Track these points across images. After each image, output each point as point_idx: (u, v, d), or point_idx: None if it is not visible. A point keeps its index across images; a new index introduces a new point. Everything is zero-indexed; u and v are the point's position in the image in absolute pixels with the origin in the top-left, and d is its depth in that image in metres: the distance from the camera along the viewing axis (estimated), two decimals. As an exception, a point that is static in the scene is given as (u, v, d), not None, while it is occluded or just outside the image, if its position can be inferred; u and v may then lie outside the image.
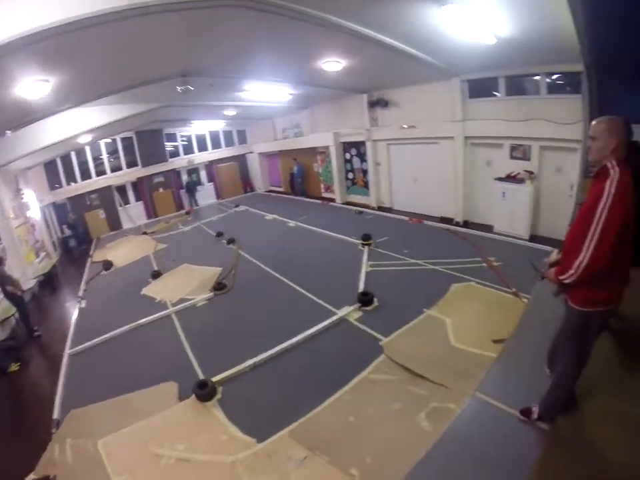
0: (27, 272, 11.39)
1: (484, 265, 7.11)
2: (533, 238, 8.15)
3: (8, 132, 8.16)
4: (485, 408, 3.70)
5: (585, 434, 3.17)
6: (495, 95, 8.88)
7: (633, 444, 2.94)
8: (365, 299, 6.42)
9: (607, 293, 2.67)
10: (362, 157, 13.63)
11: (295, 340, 5.74)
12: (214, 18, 5.47)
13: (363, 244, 9.10)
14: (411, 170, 11.81)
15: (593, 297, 2.68)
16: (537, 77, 8.00)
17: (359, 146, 13.62)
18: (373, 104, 12.05)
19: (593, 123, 2.62)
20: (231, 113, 15.56)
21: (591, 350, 2.92)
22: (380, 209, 12.95)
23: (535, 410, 3.33)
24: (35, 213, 14.07)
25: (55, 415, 5.15)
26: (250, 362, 5.40)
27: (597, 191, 2.50)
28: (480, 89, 9.11)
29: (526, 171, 8.15)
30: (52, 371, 6.72)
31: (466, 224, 9.90)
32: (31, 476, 4.18)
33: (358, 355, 5.21)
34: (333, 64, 8.17)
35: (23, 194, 13.15)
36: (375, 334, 5.58)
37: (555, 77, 7.83)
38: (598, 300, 2.68)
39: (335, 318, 6.17)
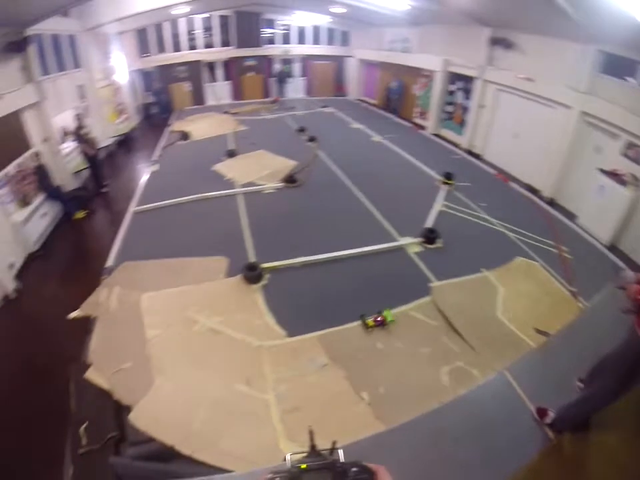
0: (107, 131, 12.17)
1: (555, 250, 6.57)
2: (612, 248, 7.10)
3: None
4: (505, 388, 3.68)
5: (585, 460, 3.10)
6: (628, 81, 7.44)
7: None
8: (429, 236, 6.31)
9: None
10: (467, 93, 12.34)
11: (350, 251, 5.81)
12: None
13: (443, 182, 8.67)
14: (514, 124, 10.59)
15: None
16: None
17: (467, 81, 12.26)
18: (495, 41, 10.57)
19: None
20: (339, 10, 14.43)
21: (638, 383, 2.73)
22: (469, 153, 12.03)
23: (551, 415, 3.26)
24: (122, 76, 14.60)
25: (109, 263, 5.63)
26: (302, 259, 5.59)
27: None
28: (615, 67, 7.62)
29: (632, 174, 7.05)
30: (114, 224, 7.36)
31: (551, 202, 8.99)
32: (75, 313, 4.67)
33: (406, 287, 5.23)
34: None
35: (111, 57, 13.57)
36: (429, 274, 5.54)
37: None
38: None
39: (395, 244, 6.16)
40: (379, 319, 4.57)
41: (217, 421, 3.47)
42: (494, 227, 7.16)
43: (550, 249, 6.61)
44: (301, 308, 4.83)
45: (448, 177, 8.78)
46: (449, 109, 13.57)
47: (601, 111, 7.85)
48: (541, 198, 9.09)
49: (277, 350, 4.18)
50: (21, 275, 6.54)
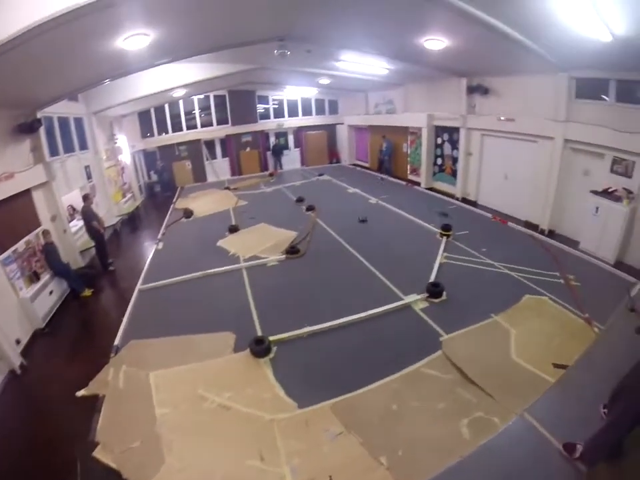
0: (112, 210, 12.67)
1: (561, 281, 6.56)
2: (619, 264, 7.23)
3: (107, 81, 8.79)
4: (528, 431, 3.54)
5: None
6: (604, 99, 7.86)
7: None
8: (434, 290, 6.28)
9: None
10: (454, 143, 12.99)
11: (355, 316, 5.78)
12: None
13: (441, 234, 8.80)
14: (502, 165, 11.07)
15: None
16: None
17: (451, 132, 12.97)
18: (471, 89, 11.32)
19: None
20: (325, 81, 15.55)
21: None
22: (464, 200, 12.35)
23: (579, 448, 3.11)
24: (125, 157, 15.37)
25: (116, 341, 5.63)
26: (308, 329, 5.55)
27: None
28: (588, 89, 8.11)
29: (625, 189, 7.22)
30: (121, 303, 7.44)
31: (551, 233, 9.18)
32: (82, 392, 4.63)
33: (415, 345, 5.15)
34: (435, 42, 7.82)
35: (117, 139, 14.38)
36: (437, 328, 5.48)
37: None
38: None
39: (400, 303, 6.12)
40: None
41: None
42: (498, 269, 7.18)
43: (557, 280, 6.59)
44: (310, 378, 4.76)
45: (445, 228, 8.92)
46: (439, 161, 14.13)
47: (583, 135, 8.22)
48: (541, 232, 9.22)
49: (288, 422, 4.06)
50: (26, 351, 6.48)
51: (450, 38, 7.63)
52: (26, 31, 4.30)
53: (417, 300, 6.19)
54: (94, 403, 4.47)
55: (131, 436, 3.98)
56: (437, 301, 6.19)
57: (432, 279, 6.76)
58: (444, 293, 6.29)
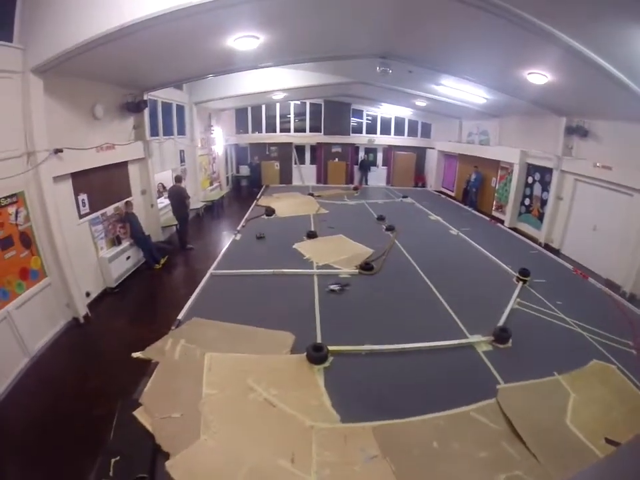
0: (198, 195, 13.62)
1: (634, 351, 5.84)
2: None
3: (210, 75, 9.54)
4: (566, 503, 3.16)
5: None
6: None
7: None
8: (501, 335, 5.87)
9: None
10: (545, 185, 12.12)
11: (417, 345, 5.59)
12: (427, 5, 5.49)
13: (518, 278, 8.27)
14: (592, 216, 10.14)
15: None
16: None
17: (544, 172, 12.12)
18: (570, 130, 10.51)
19: None
20: (421, 103, 15.36)
21: None
22: (546, 247, 11.43)
23: None
24: (219, 148, 16.41)
25: (180, 316, 5.86)
26: (368, 347, 5.44)
27: None
28: None
29: None
30: (190, 281, 7.84)
31: (632, 297, 8.21)
32: (138, 353, 4.85)
33: (470, 386, 4.85)
34: (538, 76, 7.43)
35: (213, 130, 15.41)
36: (496, 375, 5.12)
37: None
38: None
39: (463, 341, 5.80)
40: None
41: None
42: (569, 326, 6.54)
43: (629, 349, 5.88)
44: (360, 395, 4.66)
45: (523, 273, 8.33)
46: (527, 201, 13.30)
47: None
48: (622, 294, 8.31)
49: (328, 433, 3.99)
50: (93, 305, 7.14)
51: (553, 74, 7.23)
52: (145, 19, 4.76)
53: (481, 341, 5.85)
54: (146, 368, 4.65)
55: (173, 406, 4.08)
56: (501, 346, 5.79)
57: (501, 322, 6.36)
58: (510, 340, 5.90)
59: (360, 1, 5.56)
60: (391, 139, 20.76)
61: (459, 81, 10.10)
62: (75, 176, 7.14)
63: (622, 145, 9.03)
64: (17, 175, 5.62)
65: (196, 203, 13.30)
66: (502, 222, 14.08)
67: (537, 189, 12.66)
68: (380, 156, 21.38)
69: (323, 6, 5.64)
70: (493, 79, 9.17)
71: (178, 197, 10.49)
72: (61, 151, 6.40)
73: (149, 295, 8.48)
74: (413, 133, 20.96)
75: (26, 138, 5.75)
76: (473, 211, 15.47)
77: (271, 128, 19.17)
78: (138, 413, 3.94)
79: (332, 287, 7.22)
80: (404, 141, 20.88)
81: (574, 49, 5.45)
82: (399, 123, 20.60)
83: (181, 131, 12.78)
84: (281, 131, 19.31)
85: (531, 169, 12.97)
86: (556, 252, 11.06)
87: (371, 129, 20.60)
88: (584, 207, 10.60)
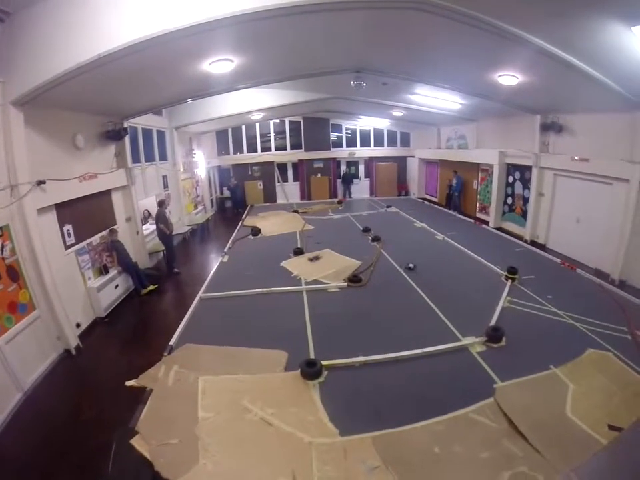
0: (183, 219, 13.57)
1: (629, 337, 5.93)
2: None
3: (189, 100, 9.64)
4: (573, 493, 3.15)
5: None
6: None
7: None
8: (493, 335, 5.90)
9: None
10: (525, 183, 12.41)
11: (411, 352, 5.57)
12: (394, 19, 5.63)
13: (507, 277, 8.36)
14: (575, 208, 10.39)
15: None
16: None
17: (523, 170, 12.42)
18: (545, 127, 10.83)
19: None
20: (398, 113, 15.69)
21: None
22: (532, 243, 11.64)
23: None
24: (201, 171, 16.48)
25: (172, 342, 5.79)
26: (362, 358, 5.41)
27: None
28: None
29: None
30: (180, 306, 7.80)
31: (622, 284, 8.37)
32: (132, 382, 4.78)
33: (467, 388, 4.83)
34: (508, 78, 7.69)
35: (195, 154, 15.50)
36: (492, 374, 5.12)
37: None
38: None
39: (457, 344, 5.81)
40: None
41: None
42: (562, 319, 6.62)
43: (624, 335, 5.96)
44: (357, 407, 4.64)
45: (511, 271, 8.46)
46: (509, 200, 13.56)
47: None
48: (612, 282, 8.47)
49: (327, 448, 3.94)
50: (84, 335, 7.04)
51: (523, 74, 7.48)
52: (119, 49, 4.83)
53: (474, 342, 5.88)
54: (140, 395, 4.59)
55: (170, 432, 4.03)
56: (495, 345, 5.80)
57: (493, 322, 6.41)
58: (503, 339, 5.95)
59: (330, 20, 5.68)
60: (371, 151, 21.10)
61: (433, 88, 10.37)
62: (59, 207, 7.09)
63: (596, 136, 9.29)
64: (1, 208, 5.56)
65: (181, 227, 13.28)
66: (487, 223, 14.29)
67: (518, 187, 12.94)
68: (362, 168, 21.72)
69: (295, 28, 5.76)
70: (465, 83, 9.42)
71: (157, 221, 10.52)
72: (43, 182, 6.36)
73: (139, 322, 8.38)
74: (392, 143, 21.35)
75: (8, 171, 5.71)
76: (458, 215, 15.63)
77: (252, 148, 19.35)
78: (135, 441, 3.88)
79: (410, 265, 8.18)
80: (384, 151, 21.23)
81: (539, 47, 5.66)
82: (378, 134, 20.97)
83: (163, 157, 12.81)
84: (262, 150, 19.49)
85: (510, 169, 13.28)
86: (542, 247, 11.23)
87: (351, 142, 20.92)
88: (566, 201, 10.85)
